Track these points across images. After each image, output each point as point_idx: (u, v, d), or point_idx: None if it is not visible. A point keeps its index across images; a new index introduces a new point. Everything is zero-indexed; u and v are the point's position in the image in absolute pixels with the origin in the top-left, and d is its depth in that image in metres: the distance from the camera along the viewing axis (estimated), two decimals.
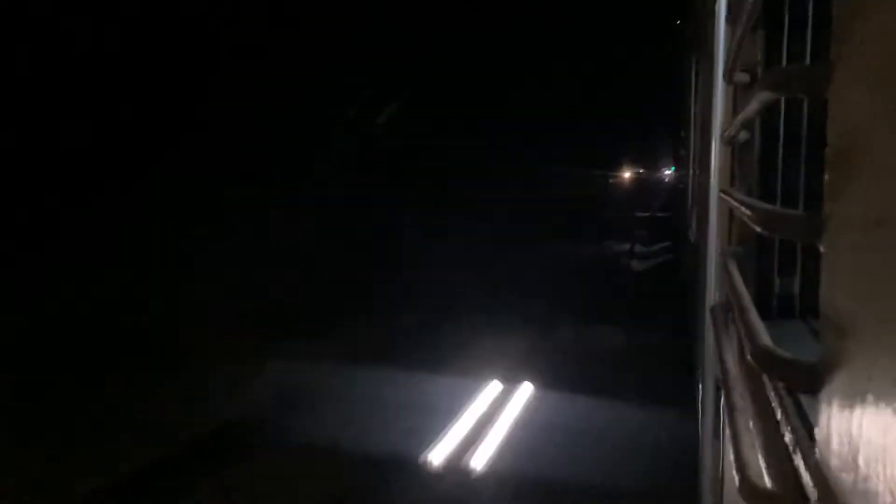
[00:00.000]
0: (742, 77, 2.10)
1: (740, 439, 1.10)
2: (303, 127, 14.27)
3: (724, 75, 2.03)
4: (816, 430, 0.79)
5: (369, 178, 15.38)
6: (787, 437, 1.19)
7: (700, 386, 3.86)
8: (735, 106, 2.08)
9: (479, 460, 5.33)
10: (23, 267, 8.81)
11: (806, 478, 0.85)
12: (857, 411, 0.62)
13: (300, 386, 6.44)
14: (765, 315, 1.41)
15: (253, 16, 13.05)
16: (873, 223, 0.59)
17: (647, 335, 8.67)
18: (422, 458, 5.27)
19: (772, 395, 1.29)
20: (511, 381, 6.92)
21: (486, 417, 6.12)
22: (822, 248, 0.78)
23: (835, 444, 0.70)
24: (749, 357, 1.23)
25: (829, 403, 0.72)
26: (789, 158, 2.72)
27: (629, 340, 8.54)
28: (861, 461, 0.61)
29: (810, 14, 2.39)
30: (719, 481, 1.91)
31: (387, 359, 7.19)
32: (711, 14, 2.03)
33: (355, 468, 5.06)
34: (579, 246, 18.76)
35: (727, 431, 1.23)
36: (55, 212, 9.79)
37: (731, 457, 1.10)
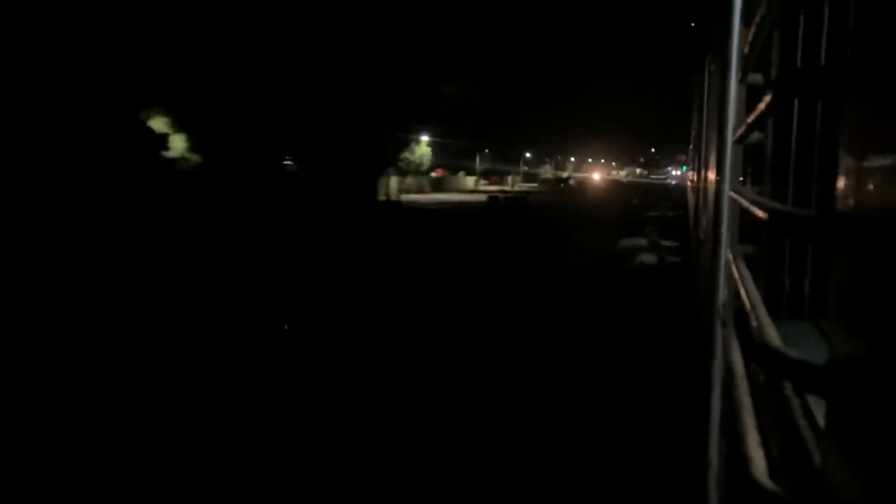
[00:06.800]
0: (756, 78, 2.10)
1: (747, 438, 1.10)
2: None
3: (737, 76, 2.03)
4: (823, 431, 0.79)
5: None
6: (794, 437, 1.20)
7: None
8: (748, 107, 2.07)
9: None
10: None
11: (812, 478, 0.85)
12: (865, 413, 0.63)
13: None
14: (774, 315, 1.41)
15: None
16: (886, 225, 0.59)
17: None
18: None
19: (779, 395, 1.29)
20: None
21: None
22: (833, 250, 0.78)
23: (842, 445, 0.70)
24: (757, 357, 1.23)
25: (837, 405, 0.73)
26: (801, 159, 2.70)
27: None
28: (867, 462, 0.61)
29: (826, 16, 2.38)
30: (725, 479, 1.91)
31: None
32: (726, 15, 2.03)
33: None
34: None
35: (734, 430, 1.24)
36: None
37: (737, 455, 1.11)
